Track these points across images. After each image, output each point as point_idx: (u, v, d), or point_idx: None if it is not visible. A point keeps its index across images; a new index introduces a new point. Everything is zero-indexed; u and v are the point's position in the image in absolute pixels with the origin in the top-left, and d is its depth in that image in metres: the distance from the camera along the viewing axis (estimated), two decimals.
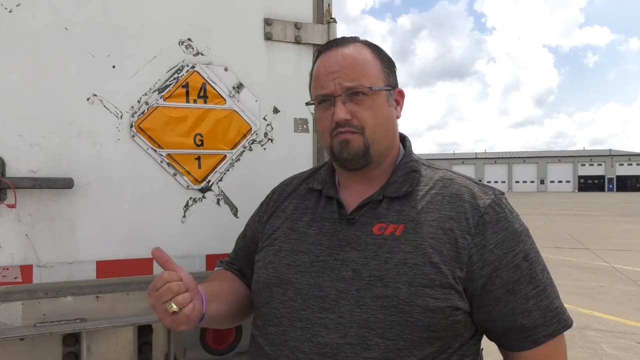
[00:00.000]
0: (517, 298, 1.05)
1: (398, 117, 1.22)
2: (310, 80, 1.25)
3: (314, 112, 1.24)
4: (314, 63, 1.25)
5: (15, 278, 1.45)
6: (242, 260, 1.38)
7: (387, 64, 1.21)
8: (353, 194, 1.19)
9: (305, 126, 1.82)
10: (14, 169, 1.44)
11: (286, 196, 1.32)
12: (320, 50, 1.24)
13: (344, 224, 1.13)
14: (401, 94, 1.23)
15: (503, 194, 1.16)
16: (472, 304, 1.06)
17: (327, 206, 1.20)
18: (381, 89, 1.16)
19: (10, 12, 1.43)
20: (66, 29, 1.49)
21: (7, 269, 1.45)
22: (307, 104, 1.24)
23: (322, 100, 1.17)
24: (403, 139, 1.28)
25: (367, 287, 1.03)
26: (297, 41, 1.79)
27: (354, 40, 1.22)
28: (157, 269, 1.62)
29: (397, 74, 1.24)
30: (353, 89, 1.13)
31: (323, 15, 1.82)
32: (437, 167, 1.23)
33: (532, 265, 1.07)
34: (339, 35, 1.82)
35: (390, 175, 1.19)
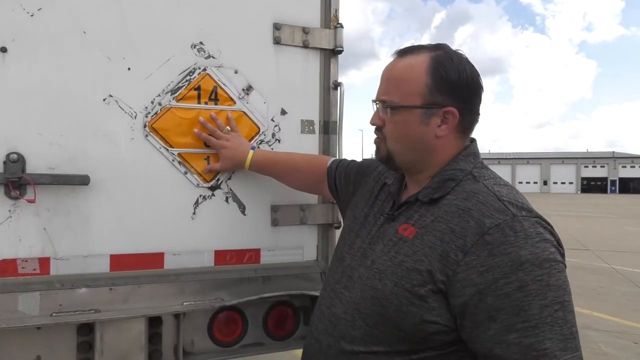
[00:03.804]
0: (498, 326, 0.97)
1: (438, 135, 1.16)
2: None
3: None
4: None
5: (34, 270, 1.52)
6: (340, 170, 1.62)
7: (438, 82, 1.14)
8: (407, 193, 1.27)
9: (311, 127, 1.89)
10: (34, 166, 1.51)
11: (378, 178, 1.42)
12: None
13: (387, 219, 1.24)
14: (451, 113, 1.15)
15: (529, 216, 1.04)
16: (456, 320, 1.04)
17: (387, 202, 1.30)
18: (408, 107, 1.16)
19: (32, 16, 1.49)
20: (84, 32, 1.55)
21: (26, 260, 1.52)
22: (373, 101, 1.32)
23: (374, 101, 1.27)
24: (466, 146, 1.22)
25: (371, 277, 1.15)
26: (305, 45, 1.84)
27: (420, 50, 1.18)
28: (167, 263, 1.69)
29: (464, 93, 1.16)
30: (382, 101, 1.21)
31: (330, 20, 1.88)
32: (487, 178, 1.15)
33: (527, 298, 0.96)
34: (345, 40, 1.88)
35: (430, 180, 1.20)
